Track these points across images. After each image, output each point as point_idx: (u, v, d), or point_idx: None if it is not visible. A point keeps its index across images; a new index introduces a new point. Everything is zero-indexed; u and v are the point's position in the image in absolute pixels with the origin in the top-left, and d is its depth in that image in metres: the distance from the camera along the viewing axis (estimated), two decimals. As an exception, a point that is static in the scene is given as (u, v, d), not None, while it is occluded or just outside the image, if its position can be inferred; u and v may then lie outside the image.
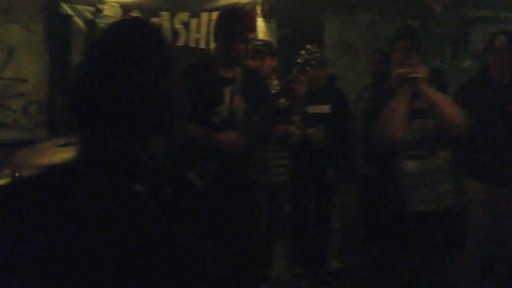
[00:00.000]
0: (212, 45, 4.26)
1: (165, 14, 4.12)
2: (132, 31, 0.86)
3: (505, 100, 3.00)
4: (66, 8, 3.79)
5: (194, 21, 4.24)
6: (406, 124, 2.38)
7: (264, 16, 4.46)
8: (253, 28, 2.82)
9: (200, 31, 4.27)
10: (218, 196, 2.82)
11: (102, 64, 0.81)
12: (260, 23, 4.44)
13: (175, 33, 4.18)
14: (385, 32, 4.97)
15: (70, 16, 3.81)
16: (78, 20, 3.83)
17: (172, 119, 0.89)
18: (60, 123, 3.75)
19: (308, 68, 2.73)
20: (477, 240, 3.11)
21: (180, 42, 4.22)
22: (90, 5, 3.87)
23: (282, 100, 2.80)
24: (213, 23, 4.26)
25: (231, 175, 2.85)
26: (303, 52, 2.77)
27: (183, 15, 4.20)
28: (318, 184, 3.79)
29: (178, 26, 4.18)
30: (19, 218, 0.75)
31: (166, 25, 4.13)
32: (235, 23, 2.72)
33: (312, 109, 3.75)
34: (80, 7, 3.84)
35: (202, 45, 4.30)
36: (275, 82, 3.41)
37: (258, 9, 4.44)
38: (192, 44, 4.26)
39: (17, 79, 3.76)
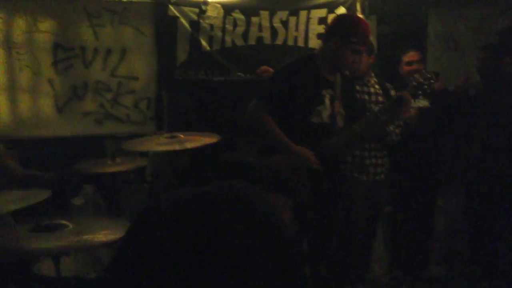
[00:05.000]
0: (311, 43, 4.30)
1: (264, 13, 4.21)
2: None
3: None
4: (173, 10, 4.02)
5: (292, 20, 4.28)
6: None
7: (363, 12, 4.38)
8: (366, 40, 2.81)
9: (298, 29, 4.31)
10: (310, 195, 2.83)
11: None
12: (360, 20, 4.37)
13: (274, 32, 4.26)
14: (496, 26, 4.64)
15: (176, 17, 4.03)
16: (183, 21, 4.04)
17: None
18: (166, 118, 3.98)
19: (420, 93, 2.72)
20: None
21: (279, 41, 4.29)
22: (194, 7, 4.07)
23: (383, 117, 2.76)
24: (312, 21, 4.28)
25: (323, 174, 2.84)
26: (417, 75, 2.75)
27: (282, 14, 4.26)
28: (420, 184, 3.66)
29: (277, 24, 4.26)
30: None
31: (265, 23, 4.22)
32: (351, 33, 2.69)
33: (413, 103, 3.66)
34: (185, 8, 4.04)
35: (300, 43, 4.34)
36: (373, 80, 3.35)
37: (358, 6, 4.38)
38: (290, 42, 4.31)
39: (129, 77, 4.06)
